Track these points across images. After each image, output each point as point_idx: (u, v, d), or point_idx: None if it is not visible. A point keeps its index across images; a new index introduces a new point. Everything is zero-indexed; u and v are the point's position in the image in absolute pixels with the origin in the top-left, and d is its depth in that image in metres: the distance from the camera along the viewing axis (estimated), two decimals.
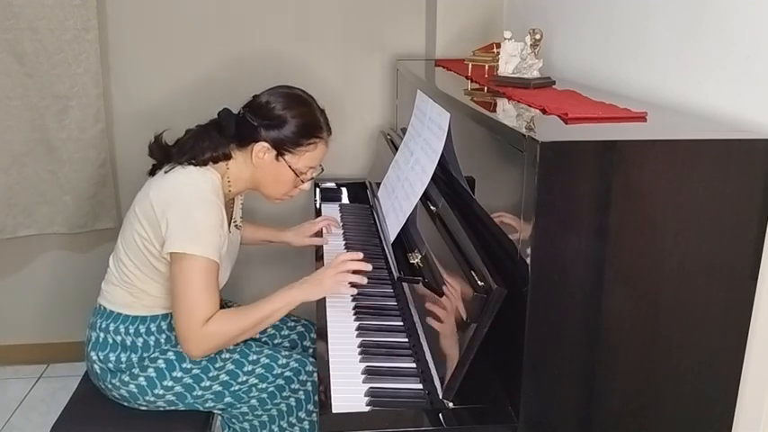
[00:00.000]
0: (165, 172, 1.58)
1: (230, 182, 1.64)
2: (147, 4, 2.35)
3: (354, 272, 1.54)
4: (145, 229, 1.55)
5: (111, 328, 1.62)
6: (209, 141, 1.61)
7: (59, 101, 2.31)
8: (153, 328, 1.62)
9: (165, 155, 1.63)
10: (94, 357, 1.63)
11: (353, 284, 1.54)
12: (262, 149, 1.60)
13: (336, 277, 1.54)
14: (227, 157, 1.63)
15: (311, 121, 1.63)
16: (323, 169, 1.74)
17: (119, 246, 1.65)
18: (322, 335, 1.45)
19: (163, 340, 1.63)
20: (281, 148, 1.61)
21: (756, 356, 1.11)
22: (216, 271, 1.52)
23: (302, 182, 1.67)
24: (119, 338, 1.61)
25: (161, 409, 1.64)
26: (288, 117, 1.60)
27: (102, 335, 1.63)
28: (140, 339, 1.61)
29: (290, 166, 1.63)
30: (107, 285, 1.67)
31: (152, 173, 1.65)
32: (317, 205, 2.29)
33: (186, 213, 1.50)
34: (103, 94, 2.35)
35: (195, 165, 1.57)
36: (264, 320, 1.53)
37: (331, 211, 2.25)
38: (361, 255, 1.57)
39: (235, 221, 1.77)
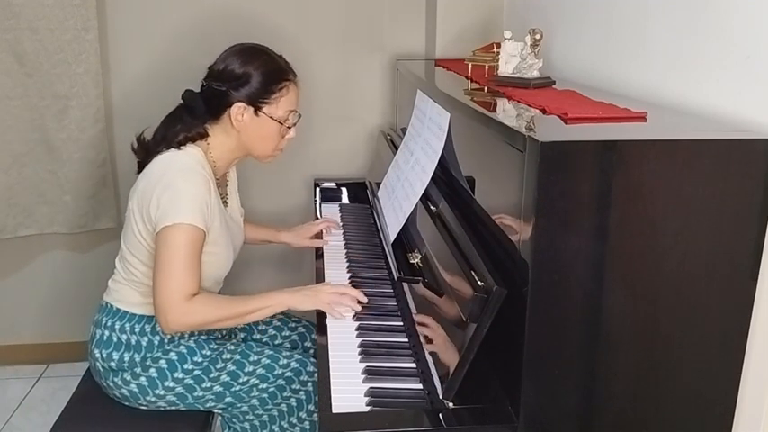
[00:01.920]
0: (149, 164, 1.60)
1: (214, 157, 1.64)
2: (148, 4, 2.35)
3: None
4: (142, 219, 1.56)
5: (117, 326, 1.62)
6: (180, 124, 1.63)
7: (59, 101, 2.31)
8: (158, 328, 1.62)
9: (146, 151, 1.65)
10: (98, 355, 1.63)
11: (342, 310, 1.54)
12: (239, 110, 1.59)
13: (333, 297, 1.55)
14: (203, 136, 1.63)
15: (274, 68, 1.63)
16: (300, 115, 1.72)
17: (122, 246, 1.65)
18: (322, 335, 1.45)
19: (166, 339, 1.63)
20: (256, 102, 1.60)
21: (756, 356, 1.11)
22: (201, 241, 1.52)
23: (288, 129, 1.67)
24: (124, 337, 1.61)
25: (161, 408, 1.64)
26: (251, 71, 1.59)
27: (107, 332, 1.63)
28: (145, 339, 1.61)
29: (271, 117, 1.62)
30: (114, 284, 1.67)
31: (140, 171, 1.66)
32: (317, 205, 2.29)
33: (171, 187, 1.51)
34: (103, 94, 2.36)
35: (173, 148, 1.59)
36: (249, 314, 1.55)
37: (331, 210, 2.25)
38: (365, 300, 1.57)
39: (226, 198, 1.76)
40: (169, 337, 1.63)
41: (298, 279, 2.61)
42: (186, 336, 1.65)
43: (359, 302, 1.56)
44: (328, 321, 1.50)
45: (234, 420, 1.70)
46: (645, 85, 1.45)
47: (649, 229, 1.04)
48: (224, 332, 1.78)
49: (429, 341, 1.31)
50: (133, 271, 1.62)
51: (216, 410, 1.69)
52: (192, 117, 1.64)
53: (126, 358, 1.60)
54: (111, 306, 1.65)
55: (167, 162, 1.57)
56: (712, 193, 1.04)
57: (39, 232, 2.45)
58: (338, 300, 1.55)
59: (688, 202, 1.04)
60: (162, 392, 1.61)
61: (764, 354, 1.10)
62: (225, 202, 1.73)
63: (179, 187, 1.51)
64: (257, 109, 1.61)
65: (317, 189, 2.39)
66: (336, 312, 1.54)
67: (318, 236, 2.01)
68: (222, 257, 1.65)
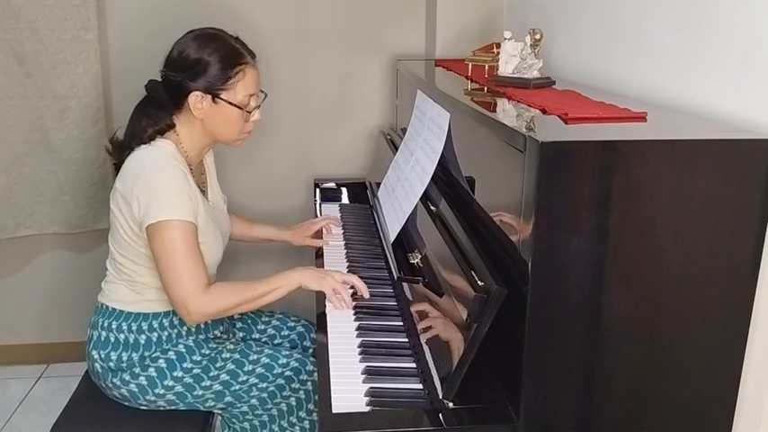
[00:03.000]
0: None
1: (185, 148, 1.64)
2: (148, 4, 2.35)
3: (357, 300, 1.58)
4: (125, 220, 1.56)
5: (114, 326, 1.62)
6: (146, 118, 1.62)
7: (59, 101, 2.30)
8: (155, 325, 1.62)
9: (119, 150, 1.65)
10: (96, 356, 1.63)
11: (345, 298, 1.56)
12: (196, 99, 1.58)
13: (338, 284, 1.56)
14: (171, 127, 1.63)
15: (229, 52, 1.60)
16: (266, 94, 1.70)
17: (110, 247, 1.66)
18: (322, 335, 1.45)
19: (164, 338, 1.63)
20: (212, 90, 1.58)
21: (756, 356, 1.11)
22: (194, 233, 1.53)
23: (249, 113, 1.65)
24: (122, 336, 1.61)
25: (161, 408, 1.64)
26: (205, 57, 1.57)
27: (104, 333, 1.63)
28: (143, 336, 1.62)
29: (230, 103, 1.60)
30: (108, 285, 1.68)
31: (117, 171, 1.65)
32: (317, 205, 2.29)
33: (150, 185, 1.51)
34: (103, 94, 2.35)
35: (144, 144, 1.60)
36: (263, 297, 1.56)
37: (331, 211, 2.25)
38: (368, 295, 1.58)
39: (205, 186, 1.76)
40: (167, 334, 1.63)
41: None
42: (185, 335, 1.65)
43: (354, 298, 1.57)
44: (328, 321, 1.50)
45: (233, 420, 1.70)
46: (645, 85, 1.45)
47: (649, 228, 1.04)
48: (222, 330, 1.78)
49: (429, 341, 1.31)
50: (124, 270, 1.62)
51: (216, 410, 1.69)
52: (156, 109, 1.63)
53: (124, 358, 1.60)
54: (107, 306, 1.65)
55: (140, 160, 1.57)
56: (712, 193, 1.04)
57: (38, 232, 2.44)
58: (342, 288, 1.56)
59: (688, 202, 1.04)
60: (162, 391, 1.61)
61: (764, 354, 1.10)
62: (204, 191, 1.73)
63: (157, 185, 1.51)
64: (215, 96, 1.59)
65: (317, 189, 2.39)
66: (336, 301, 1.55)
67: (318, 234, 2.01)
68: (212, 245, 1.65)
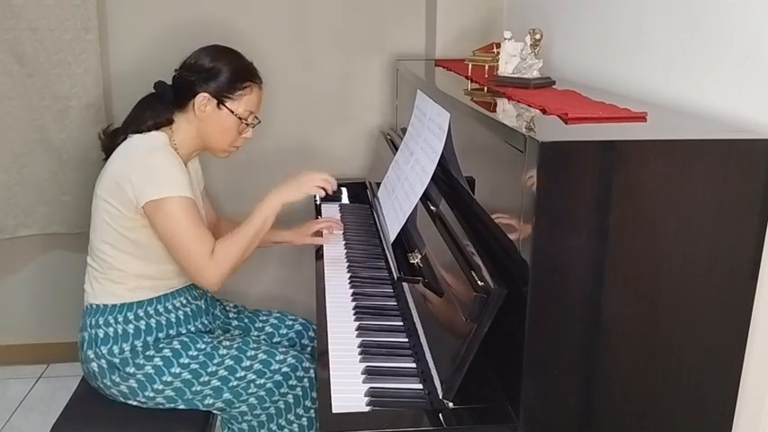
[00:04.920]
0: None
1: (176, 143, 1.70)
2: (148, 4, 2.35)
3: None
4: (112, 205, 1.59)
5: (101, 321, 1.64)
6: (149, 110, 1.71)
7: (59, 101, 2.30)
8: (141, 314, 1.65)
9: (112, 137, 1.72)
10: (91, 355, 1.63)
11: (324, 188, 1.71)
12: (203, 100, 1.67)
13: (317, 180, 1.70)
14: (170, 122, 1.71)
15: (243, 66, 1.73)
16: (260, 121, 1.79)
17: (90, 240, 1.69)
18: (322, 335, 1.45)
19: (154, 324, 1.65)
20: (220, 95, 1.68)
21: (756, 356, 1.11)
22: (195, 206, 1.60)
23: (246, 125, 1.73)
24: (110, 330, 1.63)
25: (161, 406, 1.64)
26: (220, 66, 1.68)
27: (93, 331, 1.64)
28: (131, 326, 1.63)
29: (232, 112, 1.69)
30: (87, 284, 1.70)
31: (106, 158, 1.71)
32: (318, 205, 2.29)
33: (145, 166, 1.58)
34: (103, 94, 2.35)
35: (139, 133, 1.67)
36: (259, 231, 1.66)
37: (331, 211, 2.25)
38: (334, 181, 1.73)
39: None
40: (155, 321, 1.65)
41: (297, 277, 2.62)
42: (174, 321, 1.68)
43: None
44: (329, 321, 1.50)
45: (232, 421, 1.70)
46: (645, 85, 1.45)
47: (649, 228, 1.04)
48: (220, 325, 1.80)
49: (429, 341, 1.31)
50: (103, 258, 1.64)
51: (215, 410, 1.69)
52: (160, 103, 1.72)
53: (116, 351, 1.62)
54: (91, 305, 1.67)
55: (134, 144, 1.65)
56: (712, 193, 1.04)
57: (38, 232, 2.44)
58: (319, 182, 1.69)
59: (688, 202, 1.04)
60: (160, 387, 1.61)
61: (764, 354, 1.10)
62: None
63: (152, 164, 1.58)
64: (220, 102, 1.68)
65: None
66: (316, 190, 1.70)
67: (319, 233, 2.01)
68: None
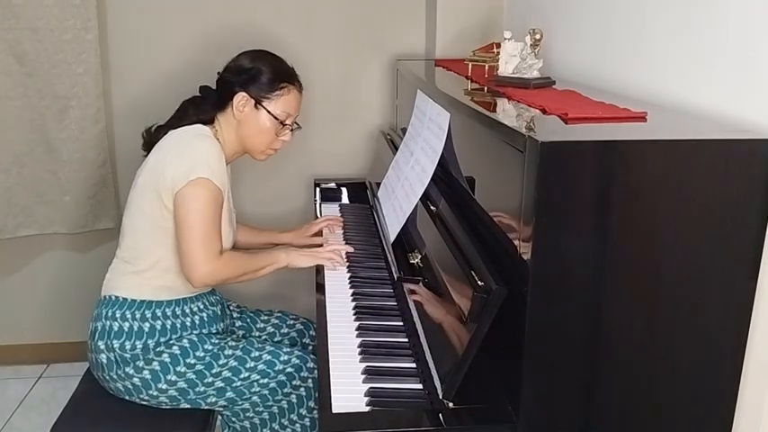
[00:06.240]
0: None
1: (222, 143, 1.72)
2: (148, 4, 2.35)
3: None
4: (151, 191, 1.61)
5: (119, 314, 1.63)
6: (193, 107, 1.76)
7: (59, 101, 2.30)
8: (159, 314, 1.65)
9: (154, 137, 1.74)
10: (102, 347, 1.63)
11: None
12: (242, 100, 1.71)
13: (328, 253, 1.76)
14: (212, 122, 1.75)
15: (281, 68, 1.77)
16: (300, 126, 1.83)
17: (123, 232, 1.70)
18: (322, 335, 1.45)
19: (169, 327, 1.64)
20: (258, 95, 1.72)
21: (756, 356, 1.11)
22: (220, 199, 1.62)
23: (282, 125, 1.75)
24: (126, 325, 1.62)
25: (163, 405, 1.64)
26: (259, 66, 1.73)
27: (108, 323, 1.63)
28: (147, 324, 1.63)
29: (269, 112, 1.72)
30: (112, 274, 1.71)
31: (147, 151, 1.74)
32: (318, 205, 2.30)
33: (187, 149, 1.62)
34: (103, 94, 2.35)
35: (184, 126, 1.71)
36: (257, 272, 1.70)
37: (331, 211, 2.25)
38: (352, 249, 1.82)
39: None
40: (170, 323, 1.65)
41: (297, 277, 2.61)
42: (189, 326, 1.67)
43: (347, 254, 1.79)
44: (329, 321, 1.50)
45: (234, 419, 1.70)
46: (645, 85, 1.45)
47: (649, 228, 1.04)
48: (223, 327, 1.79)
49: (429, 341, 1.31)
50: (134, 246, 1.65)
51: (217, 408, 1.69)
52: (204, 103, 1.78)
53: (128, 347, 1.61)
54: (111, 297, 1.66)
55: (180, 132, 1.69)
56: (712, 193, 1.04)
57: (39, 232, 2.44)
58: (336, 257, 1.76)
59: (688, 202, 1.04)
60: (164, 386, 1.61)
61: (764, 354, 1.10)
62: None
63: (195, 147, 1.62)
64: (258, 102, 1.71)
65: (317, 189, 2.39)
66: (330, 264, 1.75)
67: (319, 234, 2.02)
68: (225, 232, 1.69)
